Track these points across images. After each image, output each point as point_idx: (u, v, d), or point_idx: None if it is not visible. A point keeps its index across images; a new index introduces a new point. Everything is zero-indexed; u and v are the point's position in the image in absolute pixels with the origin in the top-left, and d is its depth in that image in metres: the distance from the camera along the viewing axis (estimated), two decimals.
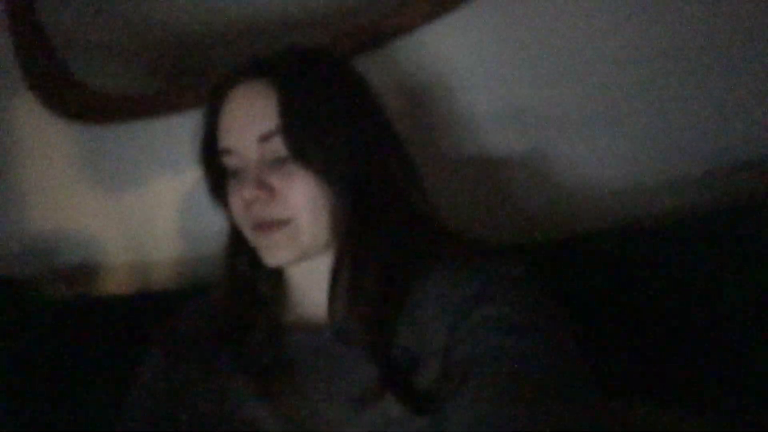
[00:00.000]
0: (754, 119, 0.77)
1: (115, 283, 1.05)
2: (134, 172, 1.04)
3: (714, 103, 0.78)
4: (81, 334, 0.94)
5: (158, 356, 0.72)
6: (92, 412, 0.88)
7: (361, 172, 0.62)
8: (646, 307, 0.69)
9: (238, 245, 0.69)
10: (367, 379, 0.58)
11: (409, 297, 0.61)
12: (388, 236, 0.62)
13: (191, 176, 0.93)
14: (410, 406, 0.56)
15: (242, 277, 0.69)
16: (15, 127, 1.10)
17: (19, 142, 1.10)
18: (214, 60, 0.99)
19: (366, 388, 0.58)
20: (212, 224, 0.72)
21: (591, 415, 0.52)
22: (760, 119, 0.77)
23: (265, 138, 0.62)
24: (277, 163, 0.62)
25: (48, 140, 1.08)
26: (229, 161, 0.64)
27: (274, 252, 0.63)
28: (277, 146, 0.61)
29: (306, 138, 0.61)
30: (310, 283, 0.66)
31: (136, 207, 1.04)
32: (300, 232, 0.62)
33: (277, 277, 0.70)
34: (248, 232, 0.65)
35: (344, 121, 0.62)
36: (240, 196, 0.63)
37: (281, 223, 0.62)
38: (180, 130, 0.81)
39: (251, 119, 0.62)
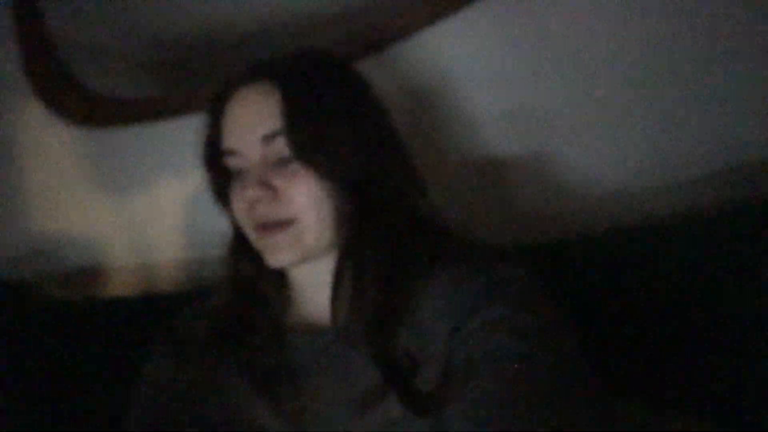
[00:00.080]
0: (754, 119, 0.77)
1: (119, 286, 1.06)
2: (138, 175, 1.04)
3: (714, 103, 0.78)
4: (85, 336, 0.94)
5: (162, 358, 0.72)
6: (96, 414, 0.88)
7: (364, 173, 0.62)
8: (646, 307, 0.69)
9: (241, 247, 0.69)
10: (369, 381, 0.59)
11: (411, 298, 0.61)
12: (391, 238, 0.62)
13: (195, 179, 0.93)
14: (412, 407, 0.56)
15: (245, 279, 0.69)
16: (20, 130, 1.10)
17: (24, 145, 1.11)
18: (217, 64, 0.99)
19: (368, 389, 0.58)
20: (216, 226, 0.73)
21: (593, 416, 0.53)
22: (760, 119, 0.77)
23: (268, 138, 0.62)
24: (280, 163, 0.62)
25: (52, 144, 1.08)
26: (232, 162, 0.65)
27: (277, 253, 0.63)
28: (280, 147, 0.62)
29: (309, 137, 0.61)
30: (313, 285, 0.67)
31: (141, 209, 1.04)
32: (303, 233, 0.62)
33: (280, 278, 0.69)
34: (251, 234, 0.65)
35: (347, 122, 0.63)
36: (243, 196, 0.63)
37: (285, 224, 0.62)
38: (184, 134, 0.81)
39: (254, 120, 0.63)
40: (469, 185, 0.87)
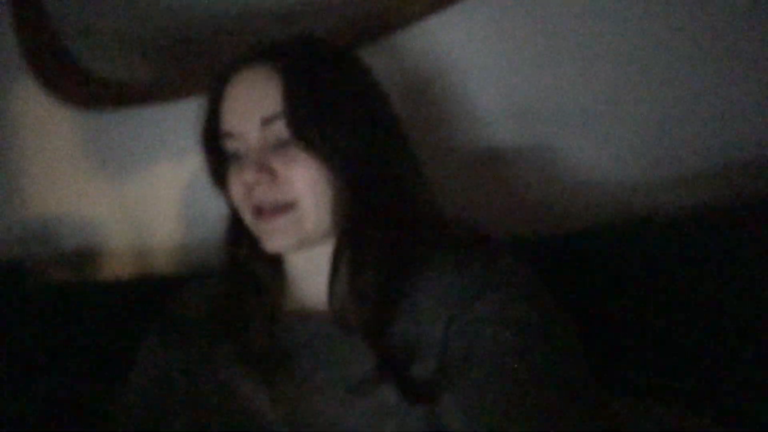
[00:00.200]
0: (755, 118, 0.77)
1: (115, 268, 1.06)
2: (136, 157, 1.04)
3: (716, 99, 0.78)
4: (81, 318, 0.94)
5: (156, 340, 0.72)
6: (91, 395, 0.88)
7: (363, 158, 0.62)
8: (647, 300, 0.69)
9: (238, 232, 0.69)
10: (364, 366, 0.59)
11: (408, 286, 0.61)
12: (389, 225, 0.62)
13: (192, 162, 0.93)
14: (407, 394, 0.56)
15: (242, 265, 0.69)
16: (18, 112, 1.10)
17: (22, 127, 1.11)
18: (217, 47, 0.99)
19: (363, 375, 0.58)
20: (213, 210, 0.73)
21: (589, 409, 0.53)
22: (761, 119, 0.77)
23: (267, 121, 0.61)
24: (279, 146, 0.62)
25: (50, 126, 1.08)
26: (231, 145, 0.64)
27: (274, 238, 0.63)
28: (280, 130, 0.61)
29: (309, 120, 0.60)
30: (311, 271, 0.66)
31: (138, 192, 1.04)
32: (303, 217, 0.62)
33: (277, 264, 0.69)
34: (248, 218, 0.65)
35: (347, 107, 0.62)
36: (241, 179, 0.62)
37: (283, 208, 0.62)
38: (182, 117, 0.81)
39: (254, 102, 0.62)
40: (469, 176, 0.87)
